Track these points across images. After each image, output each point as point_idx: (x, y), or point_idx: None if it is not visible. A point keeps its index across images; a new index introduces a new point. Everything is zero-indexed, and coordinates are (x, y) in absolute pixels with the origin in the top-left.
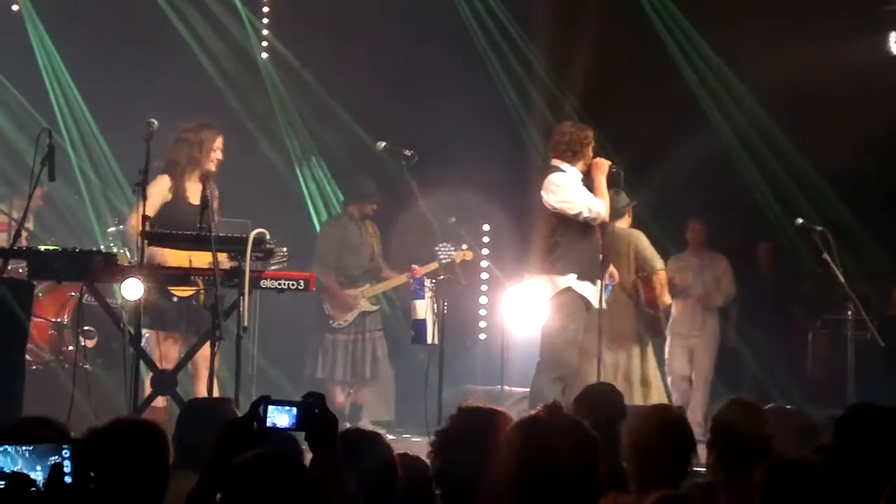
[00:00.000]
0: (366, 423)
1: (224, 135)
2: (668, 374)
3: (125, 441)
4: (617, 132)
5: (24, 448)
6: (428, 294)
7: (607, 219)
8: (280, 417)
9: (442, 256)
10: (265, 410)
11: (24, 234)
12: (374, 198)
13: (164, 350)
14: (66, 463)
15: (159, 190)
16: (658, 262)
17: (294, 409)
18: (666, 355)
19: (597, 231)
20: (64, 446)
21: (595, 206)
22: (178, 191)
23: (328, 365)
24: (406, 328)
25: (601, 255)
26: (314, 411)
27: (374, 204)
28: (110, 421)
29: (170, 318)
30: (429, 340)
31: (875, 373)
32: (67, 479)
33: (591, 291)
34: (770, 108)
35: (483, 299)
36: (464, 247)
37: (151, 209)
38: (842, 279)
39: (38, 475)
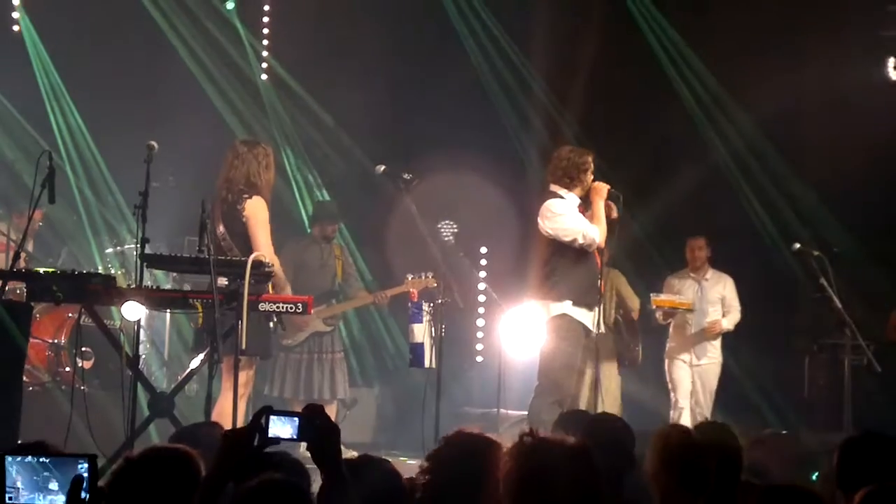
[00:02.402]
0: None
1: (223, 155)
2: (672, 393)
3: (160, 469)
4: (615, 155)
5: (43, 460)
6: (426, 318)
7: (602, 245)
8: (282, 428)
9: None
10: (267, 421)
11: (23, 255)
12: (335, 220)
13: (246, 374)
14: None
15: (266, 213)
16: (635, 303)
17: (296, 420)
18: (668, 376)
19: (594, 256)
20: (81, 460)
21: (590, 232)
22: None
23: (278, 383)
24: (403, 351)
25: (599, 280)
26: (316, 422)
27: (334, 225)
28: (146, 449)
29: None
30: (426, 364)
31: (872, 397)
32: (84, 495)
33: (587, 317)
34: (768, 132)
35: (480, 322)
36: (429, 274)
37: (268, 232)
38: (839, 304)
39: (54, 486)
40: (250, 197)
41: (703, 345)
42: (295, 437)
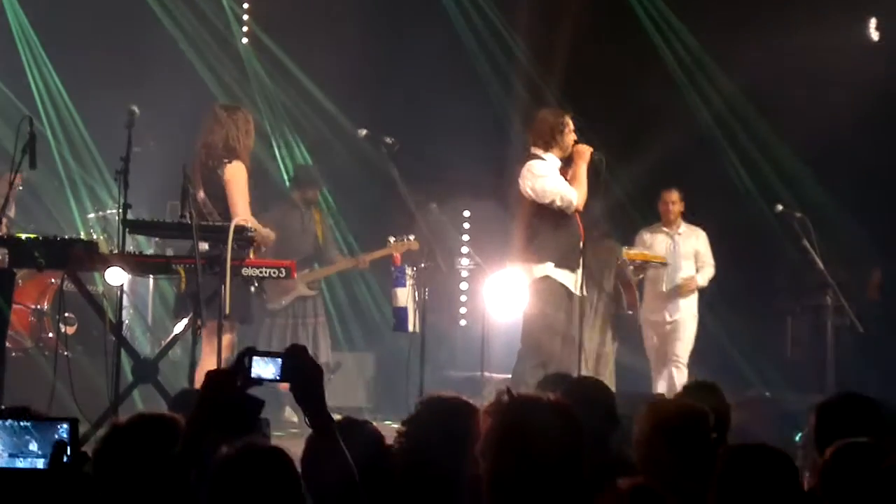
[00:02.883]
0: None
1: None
2: (652, 364)
3: (147, 435)
4: (598, 119)
5: (24, 423)
6: (409, 282)
7: (581, 207)
8: (265, 369)
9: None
10: (250, 362)
11: (4, 221)
12: (316, 184)
13: (229, 338)
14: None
15: (245, 177)
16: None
17: (279, 360)
18: (646, 345)
19: (575, 219)
20: (62, 424)
21: (568, 194)
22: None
23: (262, 348)
24: (386, 315)
25: (581, 243)
26: (298, 362)
27: (315, 190)
28: (133, 416)
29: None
30: (410, 328)
31: (854, 358)
32: (66, 458)
33: (569, 279)
34: (749, 93)
35: (464, 285)
36: (411, 237)
37: (247, 197)
38: (821, 266)
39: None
40: (230, 161)
41: (675, 302)
42: (278, 377)
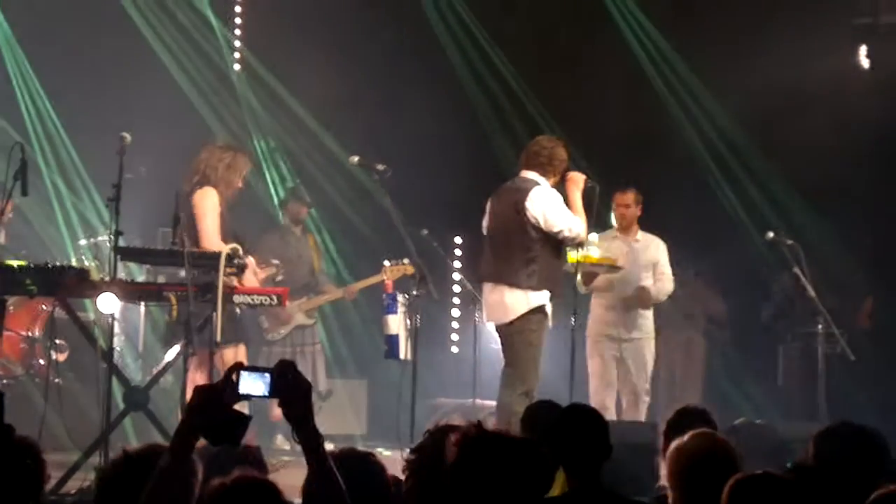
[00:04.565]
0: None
1: (198, 146)
2: (593, 387)
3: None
4: (587, 146)
5: None
6: (401, 309)
7: (584, 239)
8: (254, 385)
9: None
10: (238, 377)
11: None
12: (304, 202)
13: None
14: None
15: (215, 202)
16: None
17: (267, 376)
18: (590, 365)
19: (564, 250)
20: None
21: (575, 227)
22: (222, 205)
23: None
24: (378, 342)
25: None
26: (287, 377)
27: (303, 207)
28: (145, 445)
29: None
30: (402, 355)
31: (846, 386)
32: None
33: (550, 311)
34: (740, 120)
35: (455, 312)
36: (405, 261)
37: (216, 221)
38: (812, 293)
39: None
40: (200, 187)
41: (632, 315)
42: (267, 393)
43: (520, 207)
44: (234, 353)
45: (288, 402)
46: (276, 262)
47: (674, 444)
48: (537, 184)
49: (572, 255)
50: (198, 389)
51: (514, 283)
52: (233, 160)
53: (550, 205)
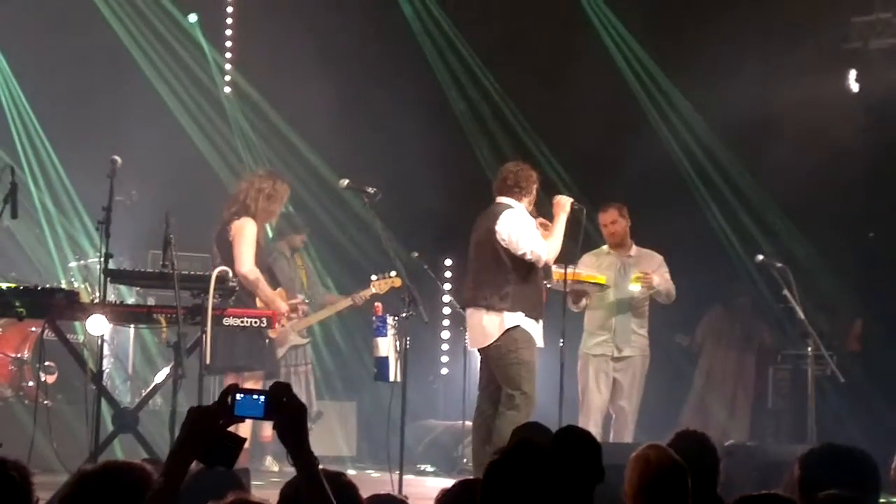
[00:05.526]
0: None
1: (188, 169)
2: (582, 406)
3: (114, 484)
4: (577, 168)
5: None
6: (390, 331)
7: (551, 262)
8: (249, 406)
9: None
10: (233, 399)
11: None
12: (301, 231)
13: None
14: None
15: (254, 233)
16: None
17: (262, 398)
18: (581, 383)
19: (541, 273)
20: None
21: (538, 249)
22: (258, 235)
23: None
24: (368, 364)
25: (544, 294)
26: (282, 399)
27: (300, 236)
28: (101, 463)
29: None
30: (391, 378)
31: (835, 407)
32: None
33: (536, 330)
34: (729, 142)
35: (445, 334)
36: (392, 273)
37: (253, 250)
38: (802, 315)
39: None
40: (239, 218)
41: (625, 332)
42: (261, 415)
43: (491, 232)
44: (257, 386)
45: (283, 425)
46: (301, 296)
47: (632, 455)
48: (509, 207)
49: (558, 272)
50: (193, 411)
51: (489, 307)
52: (273, 190)
53: (515, 227)
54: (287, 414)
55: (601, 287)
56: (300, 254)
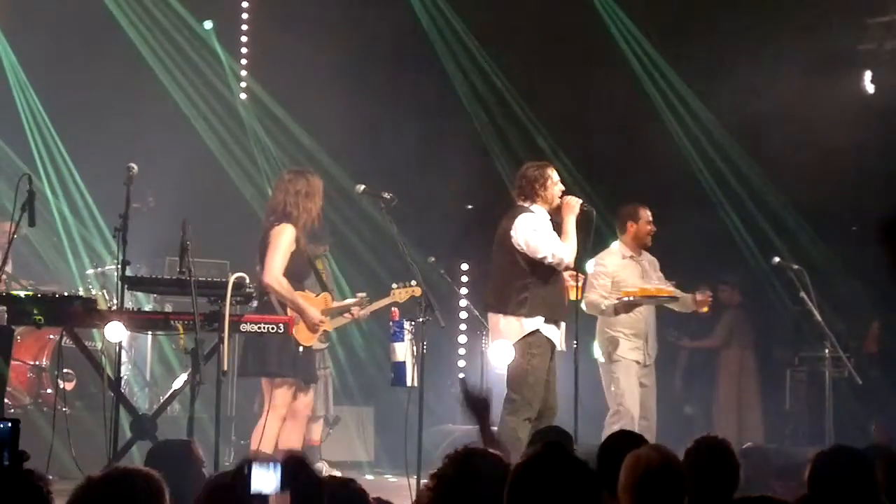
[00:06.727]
0: (323, 465)
1: (204, 175)
2: (620, 410)
3: (121, 490)
4: (589, 168)
5: None
6: (407, 336)
7: (572, 264)
8: (264, 480)
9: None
10: (249, 470)
11: (2, 277)
12: (323, 241)
13: (281, 395)
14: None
15: (289, 240)
16: None
17: (277, 469)
18: (623, 387)
19: (562, 274)
20: (3, 424)
21: (559, 252)
22: (299, 240)
23: None
24: (385, 369)
25: (567, 298)
26: (297, 473)
27: (323, 247)
28: (108, 470)
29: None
30: (408, 383)
31: (853, 409)
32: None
33: (556, 334)
34: (745, 145)
35: (462, 339)
36: (412, 283)
37: (284, 259)
38: (819, 317)
39: None
40: (278, 223)
41: (654, 340)
42: (277, 489)
43: (508, 236)
44: (290, 393)
45: (300, 497)
46: (361, 294)
47: (630, 454)
48: (526, 210)
49: (628, 291)
50: (209, 487)
51: (507, 311)
52: (308, 187)
53: (532, 231)
54: (303, 487)
55: (673, 299)
56: (322, 260)
